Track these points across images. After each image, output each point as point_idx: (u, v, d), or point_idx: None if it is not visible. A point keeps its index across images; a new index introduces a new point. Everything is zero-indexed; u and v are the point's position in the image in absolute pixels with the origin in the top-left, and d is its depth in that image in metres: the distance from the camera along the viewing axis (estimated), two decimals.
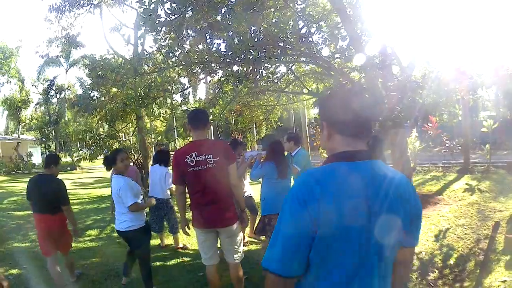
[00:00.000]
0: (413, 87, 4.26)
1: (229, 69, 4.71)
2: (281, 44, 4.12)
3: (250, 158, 4.70)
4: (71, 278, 4.23)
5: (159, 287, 4.09)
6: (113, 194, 3.63)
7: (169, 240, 5.93)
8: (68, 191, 3.98)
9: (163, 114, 6.16)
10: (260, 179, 4.52)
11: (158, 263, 4.94)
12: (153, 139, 10.17)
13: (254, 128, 14.34)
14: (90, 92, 9.72)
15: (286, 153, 4.65)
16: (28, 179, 4.06)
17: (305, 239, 1.09)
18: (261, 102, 7.96)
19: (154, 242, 5.62)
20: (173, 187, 4.63)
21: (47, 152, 30.38)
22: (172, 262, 5.11)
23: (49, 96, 26.33)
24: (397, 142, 6.59)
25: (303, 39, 4.02)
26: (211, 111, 5.86)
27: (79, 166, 22.84)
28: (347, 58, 5.29)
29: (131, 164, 7.91)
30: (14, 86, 27.65)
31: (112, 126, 9.13)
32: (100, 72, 8.98)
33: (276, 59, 4.46)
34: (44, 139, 29.95)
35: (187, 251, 5.54)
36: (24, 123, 31.89)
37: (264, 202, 4.33)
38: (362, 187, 1.13)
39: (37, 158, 29.89)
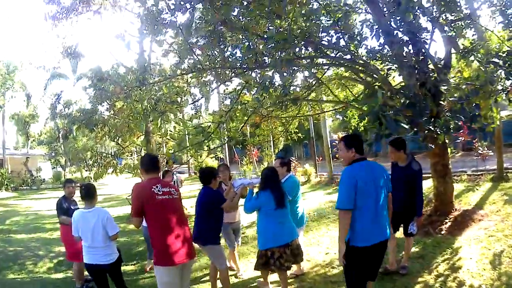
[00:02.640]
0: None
1: (249, 75, 4.04)
2: (315, 41, 3.44)
3: (241, 187, 4.21)
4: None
5: None
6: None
7: None
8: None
9: (171, 131, 5.47)
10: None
11: None
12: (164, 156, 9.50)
13: (272, 141, 13.51)
14: (92, 107, 9.16)
15: None
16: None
17: (353, 192, 2.87)
18: (282, 113, 7.27)
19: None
20: None
21: (57, 167, 30.27)
22: None
23: (56, 110, 26.14)
24: (437, 152, 5.88)
25: (341, 35, 3.36)
26: (224, 126, 5.18)
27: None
28: (384, 56, 4.63)
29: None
30: (21, 101, 27.67)
31: (117, 143, 8.55)
32: (102, 85, 8.45)
33: (309, 61, 3.79)
34: (53, 154, 29.78)
35: None
36: (33, 138, 31.85)
37: (265, 234, 3.98)
38: (370, 170, 3.02)
39: (46, 173, 29.67)
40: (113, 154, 7.64)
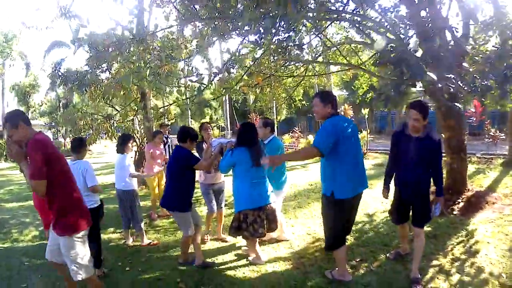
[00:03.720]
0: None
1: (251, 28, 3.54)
2: None
3: (219, 146, 3.99)
4: None
5: None
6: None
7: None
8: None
9: (173, 94, 4.94)
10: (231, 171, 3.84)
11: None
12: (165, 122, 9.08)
13: (275, 109, 12.96)
14: (89, 69, 8.66)
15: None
16: None
17: (332, 140, 2.98)
18: (284, 73, 6.73)
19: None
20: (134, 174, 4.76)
21: (58, 137, 30.04)
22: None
23: (56, 80, 25.57)
24: (453, 125, 5.43)
25: None
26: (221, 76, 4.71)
27: (89, 150, 22.21)
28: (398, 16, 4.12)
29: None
30: (21, 71, 27.21)
31: (112, 106, 8.13)
32: (100, 47, 7.93)
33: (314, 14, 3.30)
34: (53, 124, 29.48)
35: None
36: (34, 109, 31.50)
37: (238, 195, 3.70)
38: (348, 123, 3.13)
39: None
40: (105, 116, 7.21)
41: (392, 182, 3.60)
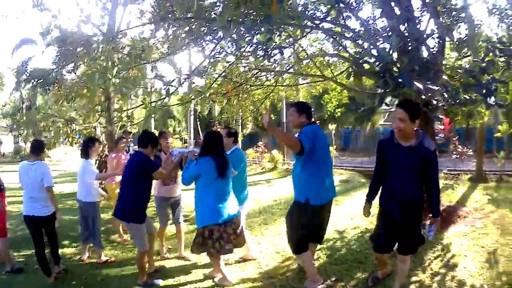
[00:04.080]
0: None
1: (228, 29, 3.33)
2: None
3: (179, 155, 3.75)
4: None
5: None
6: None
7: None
8: None
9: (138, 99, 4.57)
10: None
11: None
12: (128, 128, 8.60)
13: (240, 123, 12.74)
14: (55, 68, 8.14)
15: None
16: None
17: (312, 143, 3.03)
18: (254, 83, 6.59)
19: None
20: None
21: (19, 141, 28.33)
22: None
23: (21, 77, 24.17)
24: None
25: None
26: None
27: (48, 156, 20.96)
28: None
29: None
30: None
31: (75, 110, 7.60)
32: (68, 45, 7.46)
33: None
34: (15, 126, 27.80)
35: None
36: None
37: (202, 209, 3.39)
38: (322, 133, 3.30)
39: (7, 147, 27.57)
40: (67, 119, 6.68)
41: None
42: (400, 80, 2.54)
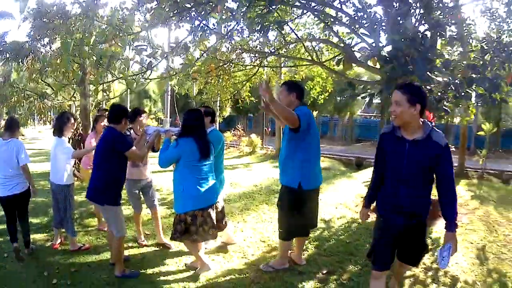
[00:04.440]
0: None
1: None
2: None
3: (154, 134, 3.52)
4: None
5: None
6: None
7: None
8: None
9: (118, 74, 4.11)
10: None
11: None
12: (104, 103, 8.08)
13: (218, 105, 12.29)
14: (30, 41, 7.62)
15: None
16: None
17: (309, 121, 3.05)
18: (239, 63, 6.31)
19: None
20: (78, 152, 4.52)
21: None
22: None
23: None
24: None
25: None
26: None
27: (22, 135, 19.93)
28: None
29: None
30: None
31: (48, 85, 7.06)
32: (44, 19, 6.96)
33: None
34: None
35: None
36: None
37: (183, 194, 3.15)
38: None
39: None
40: (39, 94, 6.15)
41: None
42: (410, 67, 2.34)
